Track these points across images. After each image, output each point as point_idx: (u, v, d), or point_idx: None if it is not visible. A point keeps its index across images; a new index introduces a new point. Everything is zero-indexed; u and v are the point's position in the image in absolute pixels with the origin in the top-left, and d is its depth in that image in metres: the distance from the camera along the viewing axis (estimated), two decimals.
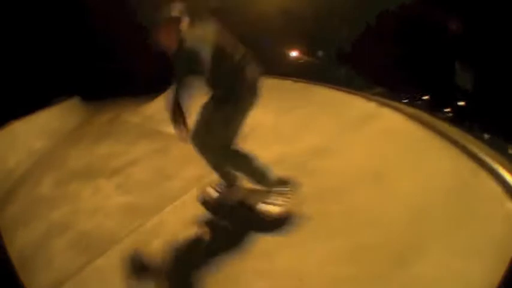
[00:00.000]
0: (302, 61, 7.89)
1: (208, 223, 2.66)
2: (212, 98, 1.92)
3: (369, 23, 6.85)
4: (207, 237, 2.58)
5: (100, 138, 5.26)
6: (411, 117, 3.12)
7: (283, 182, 2.07)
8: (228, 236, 2.37)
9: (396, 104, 3.62)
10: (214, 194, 2.39)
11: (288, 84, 5.42)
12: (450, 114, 5.08)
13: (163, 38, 1.76)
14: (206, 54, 1.64)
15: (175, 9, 1.72)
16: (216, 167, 2.15)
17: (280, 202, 2.03)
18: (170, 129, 5.32)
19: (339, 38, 7.26)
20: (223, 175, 2.21)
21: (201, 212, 2.97)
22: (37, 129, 5.11)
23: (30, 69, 6.19)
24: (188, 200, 3.19)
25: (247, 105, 1.91)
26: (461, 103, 5.19)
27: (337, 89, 4.71)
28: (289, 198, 2.03)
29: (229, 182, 2.25)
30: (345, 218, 2.14)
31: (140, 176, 3.72)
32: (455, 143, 2.50)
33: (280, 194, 2.03)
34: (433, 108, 5.24)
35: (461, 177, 2.19)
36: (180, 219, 2.89)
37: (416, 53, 6.07)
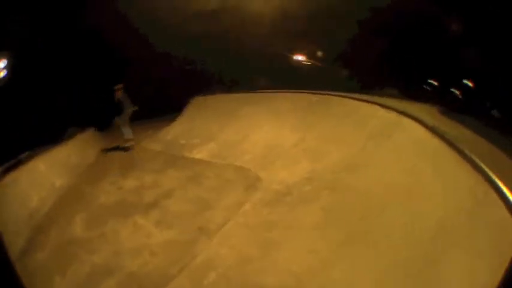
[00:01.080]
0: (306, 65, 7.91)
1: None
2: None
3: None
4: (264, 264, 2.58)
5: (125, 170, 5.19)
6: (431, 129, 3.06)
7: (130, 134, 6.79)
8: None
9: (414, 112, 3.60)
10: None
11: (304, 97, 5.44)
12: (460, 97, 5.02)
13: (116, 94, 6.71)
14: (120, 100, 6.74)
15: (119, 87, 6.65)
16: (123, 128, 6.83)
17: (129, 135, 6.74)
18: (195, 154, 5.30)
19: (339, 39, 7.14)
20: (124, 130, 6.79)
21: (252, 238, 2.99)
22: (57, 165, 4.91)
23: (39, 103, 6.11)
24: (233, 228, 3.19)
25: (129, 112, 6.71)
26: (469, 83, 5.00)
27: (355, 98, 4.73)
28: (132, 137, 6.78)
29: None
30: (384, 235, 2.43)
31: (177, 208, 3.65)
32: (471, 161, 2.33)
33: (128, 135, 6.74)
34: (441, 93, 5.20)
35: (475, 197, 2.10)
36: (231, 248, 2.89)
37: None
